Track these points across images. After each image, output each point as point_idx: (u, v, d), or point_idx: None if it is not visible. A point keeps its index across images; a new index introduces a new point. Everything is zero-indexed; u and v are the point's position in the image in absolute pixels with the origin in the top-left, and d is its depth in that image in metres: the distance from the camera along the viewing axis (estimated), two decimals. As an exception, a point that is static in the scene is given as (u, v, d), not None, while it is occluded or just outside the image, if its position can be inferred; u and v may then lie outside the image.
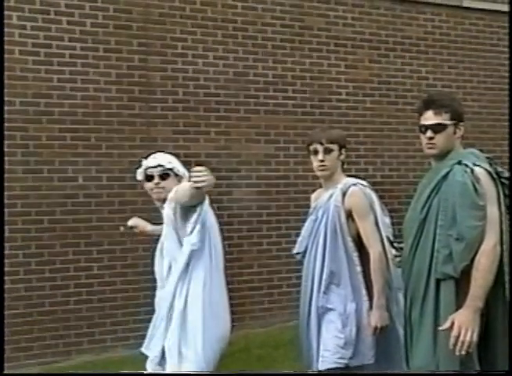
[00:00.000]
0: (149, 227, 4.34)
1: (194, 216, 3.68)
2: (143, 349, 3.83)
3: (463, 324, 3.09)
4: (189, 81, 7.02)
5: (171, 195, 3.75)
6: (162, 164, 3.87)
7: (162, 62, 6.90)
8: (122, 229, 4.41)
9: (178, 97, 6.96)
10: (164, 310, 3.73)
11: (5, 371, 4.99)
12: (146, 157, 3.96)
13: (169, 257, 3.76)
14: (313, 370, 3.99)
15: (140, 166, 3.94)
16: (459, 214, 3.20)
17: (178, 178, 3.90)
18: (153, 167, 3.88)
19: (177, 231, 3.75)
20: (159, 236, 3.93)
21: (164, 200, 3.83)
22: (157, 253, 3.87)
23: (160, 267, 3.83)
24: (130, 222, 4.37)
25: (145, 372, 3.86)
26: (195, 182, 3.35)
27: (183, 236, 3.71)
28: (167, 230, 3.79)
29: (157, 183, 3.85)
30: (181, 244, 3.72)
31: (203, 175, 3.35)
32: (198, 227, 3.68)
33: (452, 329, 3.10)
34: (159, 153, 3.98)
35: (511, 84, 7.03)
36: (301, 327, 4.10)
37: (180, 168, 3.91)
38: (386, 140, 8.04)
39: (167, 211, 3.77)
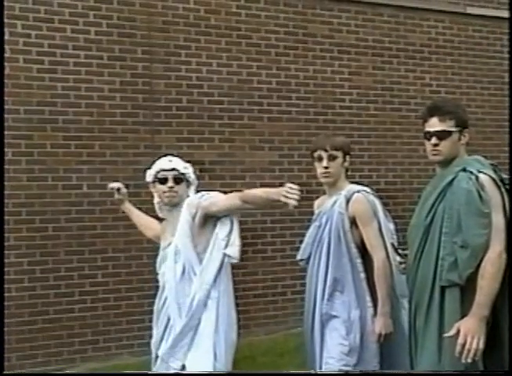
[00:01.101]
0: (127, 204, 4.32)
1: (227, 228, 3.76)
2: (163, 361, 3.73)
3: (469, 332, 3.07)
4: (193, 89, 7.04)
5: (193, 201, 3.78)
6: (177, 168, 3.85)
7: (166, 69, 6.92)
8: (109, 187, 4.32)
9: (182, 105, 6.97)
10: (192, 321, 3.66)
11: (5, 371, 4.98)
12: (155, 159, 3.95)
13: (184, 262, 3.71)
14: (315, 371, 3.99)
15: (149, 167, 3.92)
16: (465, 221, 3.19)
17: (188, 184, 3.89)
18: (167, 170, 3.84)
19: (193, 237, 3.74)
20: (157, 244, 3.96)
21: (174, 205, 3.83)
22: (168, 257, 3.79)
23: (170, 271, 3.75)
24: (116, 184, 4.28)
25: (145, 372, 3.86)
26: (285, 196, 3.35)
27: (198, 243, 3.72)
28: (183, 235, 3.74)
29: (171, 187, 3.81)
30: (196, 251, 3.72)
31: (296, 195, 3.36)
32: (237, 241, 3.77)
33: (458, 336, 3.09)
34: (173, 157, 3.94)
35: (511, 90, 7.03)
36: (306, 334, 4.10)
37: (192, 175, 3.90)
38: (390, 147, 8.04)
39: (186, 216, 3.75)
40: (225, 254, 3.73)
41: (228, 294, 3.77)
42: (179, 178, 3.85)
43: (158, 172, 3.86)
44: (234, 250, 3.76)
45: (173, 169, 3.84)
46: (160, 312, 3.82)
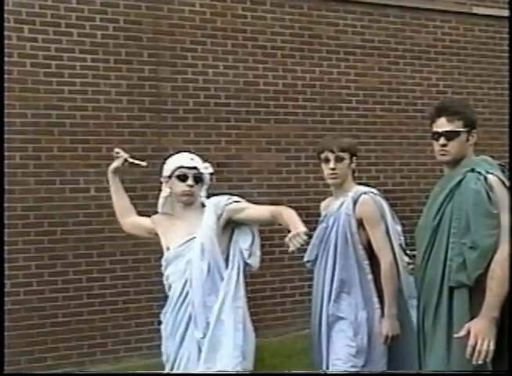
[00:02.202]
0: (117, 177, 4.14)
1: (249, 238, 3.81)
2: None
3: (479, 333, 3.06)
4: (200, 91, 7.04)
5: (220, 202, 3.78)
6: (199, 167, 3.81)
7: (172, 72, 6.93)
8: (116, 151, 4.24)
9: (188, 107, 6.98)
10: (221, 323, 3.64)
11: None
12: (167, 157, 3.92)
13: (209, 260, 3.68)
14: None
15: (164, 162, 3.88)
16: (473, 222, 3.18)
17: (202, 184, 3.86)
18: (188, 168, 3.79)
19: (218, 237, 3.73)
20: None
21: (189, 203, 3.80)
22: (187, 255, 3.71)
23: (197, 269, 3.67)
24: (123, 153, 4.16)
25: (145, 372, 3.86)
26: (292, 241, 3.38)
27: (219, 244, 3.73)
28: (211, 234, 3.71)
29: (191, 185, 3.76)
30: (221, 250, 3.73)
31: (303, 241, 3.39)
32: (258, 252, 3.84)
33: (467, 338, 3.08)
34: (193, 155, 3.89)
35: (511, 89, 7.01)
36: (313, 335, 4.10)
37: (208, 176, 3.88)
38: (397, 148, 8.03)
39: (213, 216, 3.74)
40: (246, 264, 3.78)
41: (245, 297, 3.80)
42: (199, 178, 3.80)
43: (178, 168, 3.79)
44: (256, 260, 3.82)
45: (194, 168, 3.79)
46: (176, 311, 3.73)
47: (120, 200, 4.14)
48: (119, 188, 4.15)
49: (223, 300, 3.66)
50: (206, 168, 3.85)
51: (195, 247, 3.70)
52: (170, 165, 3.84)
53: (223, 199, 3.82)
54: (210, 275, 3.67)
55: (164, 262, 3.81)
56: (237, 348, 3.59)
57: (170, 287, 3.79)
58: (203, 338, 3.62)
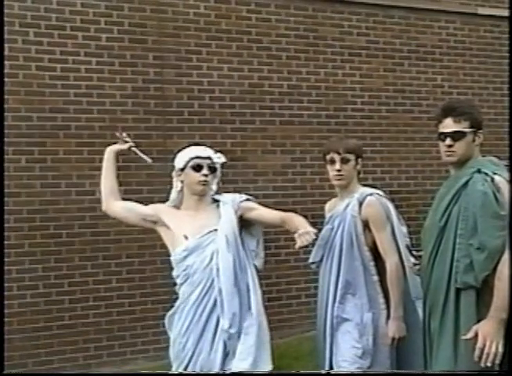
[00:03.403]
0: (113, 157, 4.11)
1: (255, 239, 3.88)
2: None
3: (487, 336, 3.05)
4: (205, 93, 7.05)
5: (236, 198, 3.84)
6: (212, 157, 3.85)
7: (177, 74, 6.93)
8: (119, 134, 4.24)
9: (193, 109, 6.99)
10: (251, 320, 3.70)
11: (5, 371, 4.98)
12: (180, 150, 3.93)
13: (233, 253, 3.71)
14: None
15: (175, 155, 3.89)
16: (481, 223, 3.17)
17: (215, 176, 3.88)
18: (203, 158, 3.82)
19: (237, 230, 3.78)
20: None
21: (203, 194, 3.81)
22: (211, 247, 3.71)
23: (224, 261, 3.68)
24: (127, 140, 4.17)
25: (146, 372, 3.85)
26: (301, 238, 3.43)
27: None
28: (234, 228, 3.75)
29: (206, 175, 3.79)
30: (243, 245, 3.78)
31: (311, 240, 3.45)
32: (262, 253, 3.92)
33: (475, 340, 3.06)
34: (205, 147, 3.93)
35: (511, 89, 6.99)
36: (318, 337, 4.10)
37: (219, 167, 3.90)
38: (402, 149, 8.02)
39: (232, 211, 3.79)
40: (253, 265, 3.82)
41: None
42: (213, 168, 3.84)
43: (192, 159, 3.81)
44: (260, 262, 3.89)
45: (208, 158, 3.83)
46: (198, 302, 3.71)
47: (111, 181, 4.06)
48: (113, 169, 4.10)
49: (251, 293, 3.72)
50: (219, 158, 3.88)
51: (218, 240, 3.71)
52: (183, 157, 3.86)
53: (237, 196, 3.90)
54: (235, 267, 3.70)
55: (183, 252, 3.74)
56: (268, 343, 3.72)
57: (187, 278, 3.73)
58: (229, 328, 3.63)
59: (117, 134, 4.20)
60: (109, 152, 4.12)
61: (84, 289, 6.44)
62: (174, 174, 3.94)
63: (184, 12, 6.98)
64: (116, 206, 3.99)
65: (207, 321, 3.67)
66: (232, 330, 3.63)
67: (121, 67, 6.70)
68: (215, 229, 3.75)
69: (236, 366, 3.63)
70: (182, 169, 3.85)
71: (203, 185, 3.80)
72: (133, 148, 4.17)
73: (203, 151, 3.86)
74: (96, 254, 6.51)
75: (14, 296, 6.14)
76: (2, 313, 5.10)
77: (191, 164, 3.81)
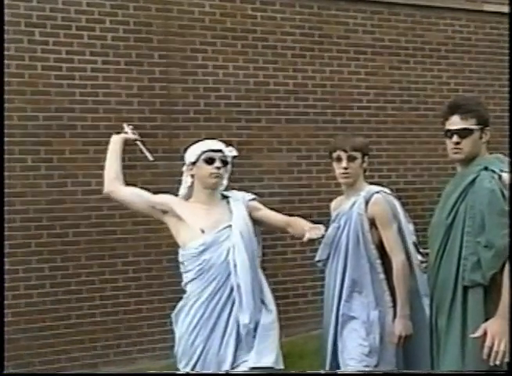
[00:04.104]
0: (120, 144, 4.11)
1: (256, 241, 3.87)
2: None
3: (496, 334, 3.04)
4: (210, 92, 7.05)
5: (245, 196, 3.87)
6: (224, 150, 3.84)
7: (183, 73, 6.94)
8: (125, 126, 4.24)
9: (199, 108, 6.98)
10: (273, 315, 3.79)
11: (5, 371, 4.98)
12: (189, 145, 3.93)
13: (248, 250, 3.73)
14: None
15: (185, 150, 3.89)
16: (488, 221, 3.16)
17: (227, 169, 3.88)
18: (215, 150, 3.81)
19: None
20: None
21: (215, 188, 3.81)
22: (227, 241, 3.71)
23: (241, 255, 3.68)
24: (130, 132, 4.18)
25: (146, 372, 3.85)
26: (311, 231, 3.49)
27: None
28: (246, 225, 3.77)
29: (219, 168, 3.78)
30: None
31: (320, 235, 3.52)
32: (260, 253, 3.95)
33: (484, 338, 3.05)
34: (216, 140, 3.93)
35: (511, 87, 6.97)
36: (325, 335, 4.09)
37: (230, 161, 3.90)
38: (408, 146, 8.01)
39: (244, 207, 3.81)
40: None
41: None
42: (225, 161, 3.83)
43: (204, 152, 3.80)
44: (258, 261, 3.89)
45: (220, 150, 3.83)
46: (211, 297, 3.69)
47: (118, 165, 4.04)
48: (119, 154, 4.09)
49: (265, 290, 3.77)
50: (230, 152, 3.88)
51: (233, 236, 3.71)
52: (195, 150, 3.85)
53: (246, 194, 3.92)
54: (251, 264, 3.72)
55: (200, 247, 3.70)
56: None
57: (201, 274, 3.70)
58: (249, 323, 3.64)
59: (124, 125, 4.19)
60: (117, 138, 4.13)
61: (91, 288, 6.45)
62: (184, 168, 3.93)
63: (189, 11, 6.98)
64: (123, 190, 3.96)
65: (218, 317, 3.66)
66: (252, 325, 3.65)
67: (127, 66, 6.70)
68: (229, 225, 3.74)
69: (257, 361, 3.63)
70: (194, 163, 3.82)
71: (216, 177, 3.79)
72: (138, 141, 4.16)
73: (215, 144, 3.86)
74: (103, 253, 6.51)
75: (21, 295, 6.15)
76: (2, 313, 5.11)
77: (203, 157, 3.79)
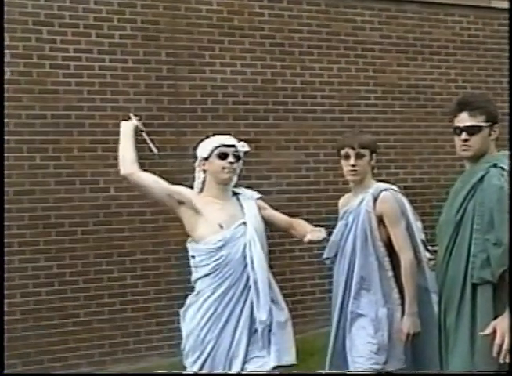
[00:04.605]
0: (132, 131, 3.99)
1: None
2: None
3: (506, 331, 3.03)
4: (218, 90, 7.05)
5: (253, 195, 3.89)
6: (237, 145, 3.84)
7: (190, 71, 6.94)
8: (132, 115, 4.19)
9: (206, 106, 6.99)
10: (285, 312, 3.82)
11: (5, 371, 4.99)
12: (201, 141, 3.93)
13: (263, 247, 3.76)
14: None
15: (197, 146, 3.89)
16: (497, 218, 3.15)
17: (239, 164, 3.87)
18: (228, 145, 3.80)
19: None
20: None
21: (228, 183, 3.81)
22: (243, 238, 3.71)
23: (258, 254, 3.70)
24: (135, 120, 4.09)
25: (147, 372, 3.85)
26: (312, 234, 3.62)
27: None
28: (259, 223, 3.81)
29: (232, 162, 3.76)
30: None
31: (322, 238, 3.61)
32: None
33: (493, 335, 3.04)
34: (228, 135, 3.92)
35: (511, 84, 6.95)
36: (333, 332, 4.09)
37: (243, 156, 3.90)
38: (416, 144, 7.99)
39: (255, 205, 3.84)
40: None
41: None
42: (238, 156, 3.83)
43: (217, 147, 3.79)
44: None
45: (233, 146, 3.82)
46: (224, 294, 3.69)
47: (134, 149, 3.92)
48: (133, 140, 3.99)
49: (276, 288, 3.79)
50: (243, 147, 3.87)
51: (248, 233, 3.71)
52: (207, 146, 3.83)
53: (253, 193, 3.94)
54: (266, 260, 3.75)
55: (219, 242, 3.68)
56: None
57: (217, 270, 3.67)
58: (266, 320, 3.66)
59: (131, 115, 4.15)
60: (128, 124, 4.06)
61: (99, 286, 6.46)
62: (196, 164, 3.91)
63: (196, 9, 6.98)
64: (142, 173, 3.82)
65: (230, 314, 3.66)
66: (268, 322, 3.67)
67: (134, 65, 6.70)
68: (244, 223, 3.74)
69: (279, 361, 3.68)
70: (206, 158, 3.80)
71: (229, 172, 3.77)
72: (144, 133, 4.13)
73: (228, 139, 3.85)
74: (111, 251, 6.53)
75: (30, 293, 6.16)
76: (2, 313, 5.13)
77: (216, 152, 3.78)
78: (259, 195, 3.97)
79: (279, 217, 3.96)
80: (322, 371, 4.01)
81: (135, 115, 4.22)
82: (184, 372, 3.73)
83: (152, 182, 3.80)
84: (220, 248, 3.68)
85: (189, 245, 3.84)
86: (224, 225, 3.70)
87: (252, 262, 3.67)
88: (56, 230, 6.34)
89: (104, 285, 6.48)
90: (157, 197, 3.83)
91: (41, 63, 6.33)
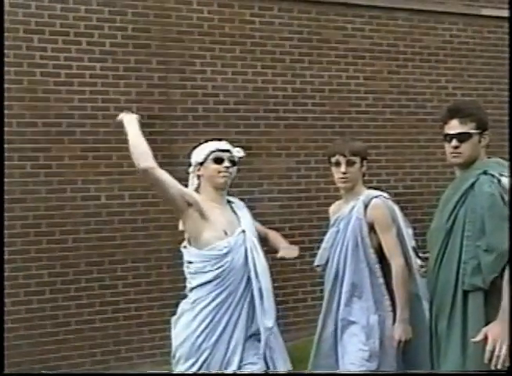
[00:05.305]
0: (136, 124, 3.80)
1: None
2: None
3: (497, 338, 3.04)
4: (209, 98, 7.05)
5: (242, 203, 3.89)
6: (232, 150, 3.84)
7: (181, 79, 6.94)
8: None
9: (198, 114, 6.99)
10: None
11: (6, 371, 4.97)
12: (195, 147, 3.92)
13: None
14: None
15: (191, 152, 3.88)
16: (489, 225, 3.16)
17: (233, 170, 3.87)
18: (223, 150, 3.80)
19: None
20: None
21: (224, 188, 3.81)
22: (243, 245, 3.70)
23: (260, 260, 3.75)
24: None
25: (147, 372, 3.84)
26: (285, 251, 3.78)
27: None
28: (253, 231, 3.81)
29: (228, 167, 3.77)
30: None
31: (293, 256, 3.81)
32: None
33: (485, 342, 3.05)
34: (222, 141, 3.92)
35: (511, 91, 7.00)
36: (324, 339, 4.09)
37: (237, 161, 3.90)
38: (407, 151, 8.01)
39: (248, 213, 3.87)
40: None
41: None
42: (233, 161, 3.83)
43: (213, 152, 3.78)
44: None
45: (228, 150, 3.82)
46: (222, 302, 3.67)
47: (148, 148, 3.75)
48: (140, 134, 3.83)
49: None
50: (238, 152, 3.87)
51: (247, 240, 3.71)
52: (202, 151, 3.82)
53: (240, 201, 3.97)
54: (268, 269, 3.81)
55: (225, 249, 3.65)
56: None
57: (219, 277, 3.64)
58: (272, 327, 3.69)
59: (125, 111, 4.07)
60: (132, 117, 3.90)
61: (91, 294, 6.44)
62: (191, 170, 3.89)
63: (187, 17, 6.99)
64: (160, 170, 3.67)
65: (227, 323, 3.64)
66: (274, 329, 3.71)
67: (125, 72, 6.70)
68: (243, 230, 3.74)
69: (281, 365, 3.76)
70: (202, 163, 3.79)
71: (225, 177, 3.77)
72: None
73: (223, 144, 3.86)
74: (102, 259, 6.51)
75: (21, 302, 6.14)
76: (2, 313, 5.11)
77: (212, 156, 3.78)
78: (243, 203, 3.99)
79: (259, 227, 4.01)
80: (322, 371, 4.00)
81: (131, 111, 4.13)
82: (185, 372, 3.70)
83: (170, 179, 3.67)
84: (225, 255, 3.65)
85: (186, 251, 3.77)
86: (228, 231, 3.69)
87: (256, 270, 3.68)
88: (48, 238, 6.32)
89: (96, 293, 6.46)
90: (171, 195, 3.67)
91: (31, 71, 6.33)
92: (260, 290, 3.68)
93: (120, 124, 3.91)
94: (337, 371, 3.95)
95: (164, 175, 3.65)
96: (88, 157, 6.51)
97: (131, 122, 3.85)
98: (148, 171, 3.63)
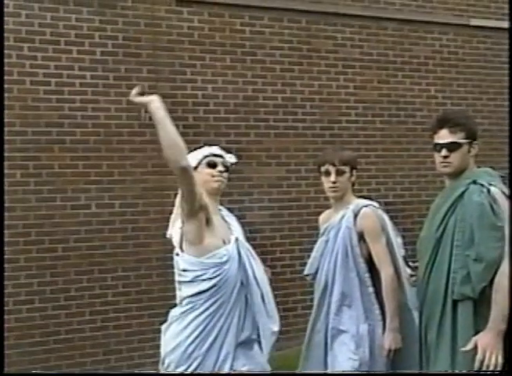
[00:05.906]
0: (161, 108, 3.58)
1: None
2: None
3: (487, 347, 3.04)
4: (199, 107, 7.06)
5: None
6: (225, 156, 3.83)
7: (171, 88, 6.94)
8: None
9: (188, 123, 6.99)
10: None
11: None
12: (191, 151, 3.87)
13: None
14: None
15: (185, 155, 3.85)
16: (478, 235, 3.17)
17: (227, 175, 3.84)
18: (217, 155, 3.79)
19: None
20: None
21: (218, 193, 3.77)
22: (237, 253, 3.66)
23: (258, 267, 3.74)
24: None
25: (146, 372, 3.82)
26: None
27: None
28: (245, 240, 3.79)
29: (221, 171, 3.73)
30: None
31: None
32: None
33: (474, 351, 3.05)
34: (215, 147, 3.89)
35: (511, 97, 7.05)
36: (314, 348, 4.09)
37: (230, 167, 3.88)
38: (397, 160, 8.04)
39: (237, 222, 3.84)
40: None
41: None
42: (226, 166, 3.81)
43: (206, 157, 3.76)
44: None
45: (221, 156, 3.81)
46: (215, 310, 3.60)
47: (181, 140, 3.57)
48: (168, 121, 3.64)
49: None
50: (230, 158, 3.86)
51: (242, 248, 3.68)
52: (196, 156, 3.77)
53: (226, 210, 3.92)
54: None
55: (224, 257, 3.57)
56: None
57: (215, 285, 3.56)
58: (278, 331, 3.74)
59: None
60: (159, 102, 3.63)
61: (80, 303, 6.42)
62: None
63: (178, 26, 7.00)
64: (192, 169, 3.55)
65: (219, 331, 3.58)
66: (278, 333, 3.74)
67: (116, 81, 6.70)
68: (236, 239, 3.70)
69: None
70: (195, 168, 3.70)
71: (219, 181, 3.72)
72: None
73: (217, 149, 3.84)
74: (92, 268, 6.49)
75: (10, 311, 6.10)
76: (2, 313, 5.08)
77: (205, 161, 3.75)
78: None
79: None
80: (322, 371, 4.00)
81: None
82: (184, 372, 3.68)
83: (195, 180, 3.52)
84: (225, 263, 3.59)
85: (180, 258, 3.68)
86: (226, 239, 3.65)
87: (255, 277, 3.66)
88: (37, 247, 6.30)
89: (85, 302, 6.44)
90: (198, 195, 3.52)
91: (21, 80, 6.32)
92: (262, 296, 3.67)
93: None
94: (335, 371, 3.94)
95: (195, 177, 3.56)
96: (78, 165, 6.50)
97: (161, 110, 3.62)
98: (187, 169, 3.47)
